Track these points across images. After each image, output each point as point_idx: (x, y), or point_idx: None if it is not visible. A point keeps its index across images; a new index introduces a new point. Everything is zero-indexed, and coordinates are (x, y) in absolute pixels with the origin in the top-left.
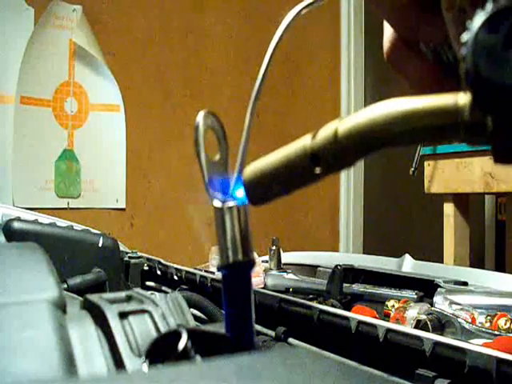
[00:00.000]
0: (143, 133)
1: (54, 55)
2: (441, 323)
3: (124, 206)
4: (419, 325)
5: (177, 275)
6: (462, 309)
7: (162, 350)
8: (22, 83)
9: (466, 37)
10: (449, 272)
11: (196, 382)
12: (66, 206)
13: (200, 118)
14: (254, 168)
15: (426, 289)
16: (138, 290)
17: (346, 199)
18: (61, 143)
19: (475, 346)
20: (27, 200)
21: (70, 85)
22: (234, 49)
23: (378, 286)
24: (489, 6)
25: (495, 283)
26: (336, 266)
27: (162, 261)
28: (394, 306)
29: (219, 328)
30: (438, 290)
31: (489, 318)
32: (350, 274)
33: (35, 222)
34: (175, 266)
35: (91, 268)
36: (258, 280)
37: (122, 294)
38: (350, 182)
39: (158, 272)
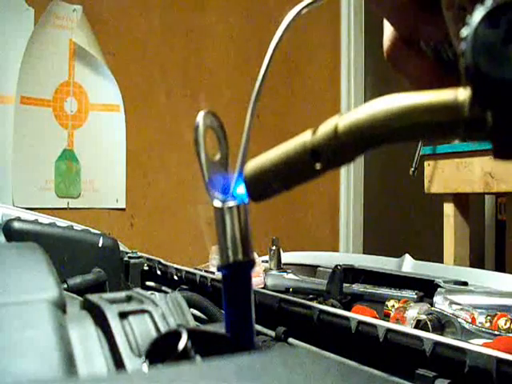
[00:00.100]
0: (143, 133)
1: (53, 55)
2: (441, 323)
3: (124, 206)
4: (419, 325)
5: (177, 275)
6: (462, 309)
7: (161, 350)
8: (22, 83)
9: (465, 32)
10: (449, 272)
11: (196, 382)
12: (66, 206)
13: (200, 117)
14: (254, 164)
15: (426, 289)
16: (138, 290)
17: (346, 199)
18: (61, 143)
19: (475, 346)
20: (27, 200)
21: (70, 85)
22: (235, 49)
23: (377, 285)
24: (488, 1)
25: (495, 283)
26: (336, 266)
27: (162, 261)
28: (393, 306)
29: (219, 328)
30: (438, 290)
31: (489, 317)
32: (349, 273)
33: (35, 221)
34: (175, 266)
35: (91, 268)
36: (258, 280)
37: (122, 294)
38: (349, 182)
39: (158, 272)
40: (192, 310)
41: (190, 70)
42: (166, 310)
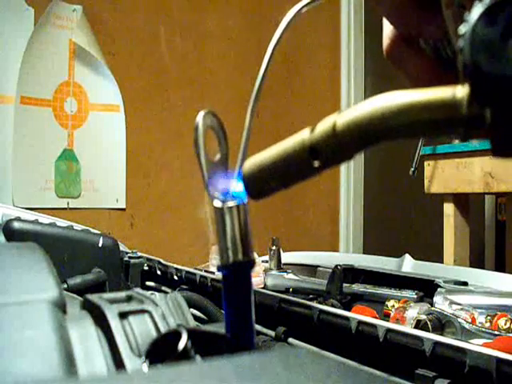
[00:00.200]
0: (143, 133)
1: (53, 55)
2: (441, 323)
3: (124, 206)
4: (419, 325)
5: (177, 275)
6: (462, 309)
7: (162, 350)
8: (22, 83)
9: (463, 29)
10: (449, 272)
11: (196, 382)
12: (66, 206)
13: (200, 117)
14: (252, 162)
15: (426, 289)
16: (138, 290)
17: (346, 199)
18: (61, 143)
19: (475, 346)
20: (27, 200)
21: (70, 85)
22: (234, 49)
23: (377, 285)
24: None
25: (495, 283)
26: (336, 266)
27: (162, 261)
28: (394, 305)
29: (219, 328)
30: (438, 290)
31: (489, 317)
32: (349, 274)
33: (35, 221)
34: (175, 266)
35: (91, 268)
36: (257, 280)
37: (122, 294)
38: (349, 182)
39: (158, 272)
40: (192, 310)
41: (189, 70)
42: (166, 310)
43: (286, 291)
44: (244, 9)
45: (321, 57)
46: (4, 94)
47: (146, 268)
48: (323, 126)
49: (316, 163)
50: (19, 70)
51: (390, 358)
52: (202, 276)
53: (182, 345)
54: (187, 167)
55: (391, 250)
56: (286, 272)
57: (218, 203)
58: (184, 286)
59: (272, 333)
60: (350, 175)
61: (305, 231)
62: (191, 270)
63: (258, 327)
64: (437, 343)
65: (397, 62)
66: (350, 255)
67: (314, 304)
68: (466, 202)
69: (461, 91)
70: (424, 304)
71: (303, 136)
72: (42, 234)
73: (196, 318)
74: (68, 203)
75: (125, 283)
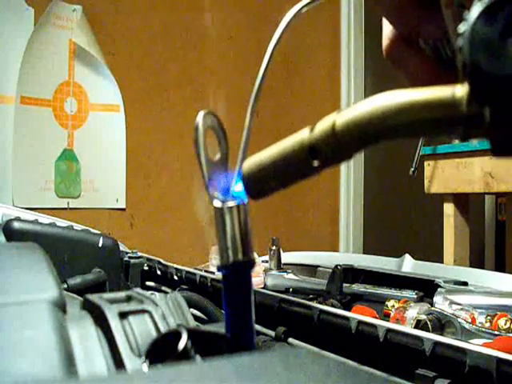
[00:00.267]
0: (143, 133)
1: (53, 55)
2: (441, 323)
3: (124, 206)
4: (419, 325)
5: (177, 275)
6: (462, 309)
7: (161, 350)
8: (22, 83)
9: (462, 28)
10: (449, 272)
11: (196, 382)
12: (66, 206)
13: (200, 117)
14: (252, 162)
15: (426, 289)
16: (138, 290)
17: (346, 199)
18: (61, 143)
19: (475, 346)
20: (27, 200)
21: (70, 85)
22: (234, 48)
23: (377, 285)
24: None
25: (495, 283)
26: (336, 266)
27: (162, 261)
28: (394, 306)
29: (219, 328)
30: (438, 290)
31: (489, 317)
32: (349, 274)
33: (35, 222)
34: (175, 266)
35: (91, 268)
36: (257, 280)
37: (122, 294)
38: (350, 182)
39: (158, 272)
40: (192, 310)
41: (189, 70)
42: (166, 310)
43: (286, 291)
44: (244, 9)
45: (321, 57)
46: (4, 94)
47: (146, 268)
48: (323, 125)
49: (315, 163)
50: (19, 70)
51: (390, 358)
52: (201, 276)
53: (181, 345)
54: (187, 167)
55: (391, 250)
56: (286, 272)
57: (217, 203)
58: (184, 286)
59: (272, 333)
60: (350, 175)
61: (305, 231)
62: (191, 270)
63: (258, 327)
64: (437, 343)
65: (396, 62)
66: (350, 255)
67: (314, 304)
68: (466, 202)
69: (460, 90)
70: (424, 304)
71: (303, 135)
72: (42, 234)
73: (196, 317)
74: (68, 203)
75: (125, 283)
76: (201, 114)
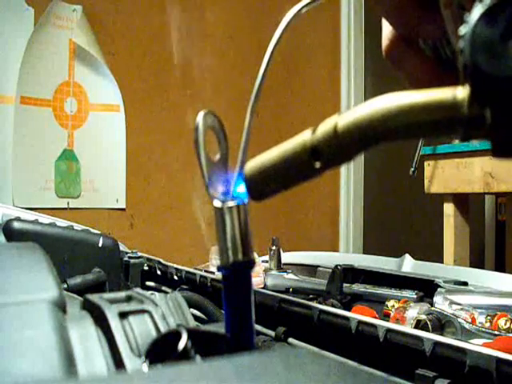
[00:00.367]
0: (143, 133)
1: (53, 55)
2: (441, 323)
3: (124, 206)
4: (419, 325)
5: (177, 275)
6: (462, 309)
7: (161, 350)
8: (22, 83)
9: (463, 30)
10: (449, 272)
11: (196, 382)
12: (66, 206)
13: (200, 117)
14: (253, 164)
15: (426, 289)
16: (138, 290)
17: (346, 199)
18: (61, 143)
19: (475, 346)
20: (27, 200)
21: (70, 85)
22: (234, 48)
23: (377, 285)
24: None
25: (495, 283)
26: (336, 266)
27: (162, 261)
28: (393, 306)
29: (219, 328)
30: (438, 290)
31: (489, 317)
32: (349, 274)
33: (35, 221)
34: (175, 266)
35: (91, 268)
36: (258, 280)
37: (122, 294)
38: (350, 182)
39: (158, 272)
40: (192, 309)
41: (189, 70)
42: (166, 310)
43: (286, 291)
44: (244, 8)
45: (321, 57)
46: (4, 94)
47: (146, 268)
48: (324, 127)
49: (317, 164)
50: (19, 70)
51: (390, 358)
52: (202, 276)
53: (181, 345)
54: (187, 167)
55: (391, 250)
56: (285, 272)
57: (217, 203)
58: (184, 286)
59: (272, 333)
60: (350, 176)
61: (305, 232)
62: (191, 270)
63: (258, 327)
64: (437, 343)
65: (396, 63)
66: (350, 255)
67: (314, 304)
68: (465, 202)
69: (461, 92)
70: (424, 304)
71: (304, 137)
72: (42, 234)
73: (196, 317)
74: (68, 203)
75: (125, 283)
76: (201, 114)
